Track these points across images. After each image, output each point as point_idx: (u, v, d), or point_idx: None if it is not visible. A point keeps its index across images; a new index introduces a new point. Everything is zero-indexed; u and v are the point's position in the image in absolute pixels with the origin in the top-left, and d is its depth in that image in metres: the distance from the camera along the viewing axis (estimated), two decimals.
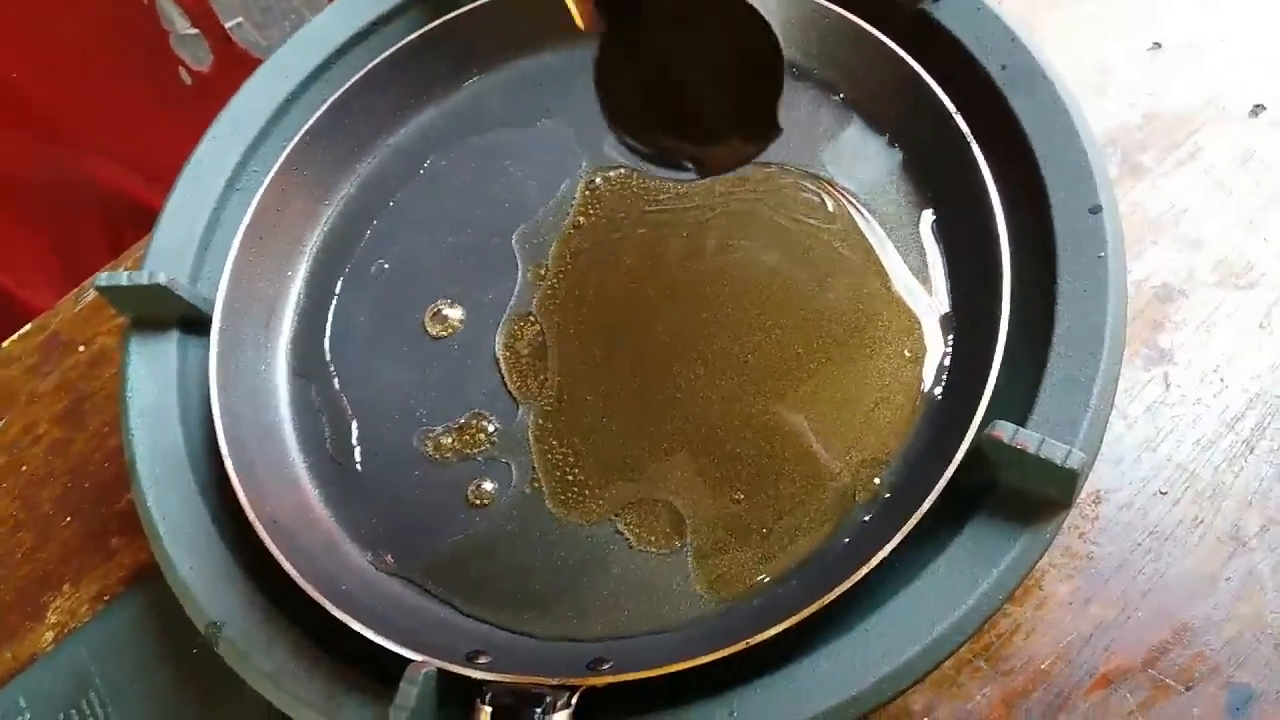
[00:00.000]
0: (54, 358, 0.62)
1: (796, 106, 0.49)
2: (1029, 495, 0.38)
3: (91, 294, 0.64)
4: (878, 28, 0.46)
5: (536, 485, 0.43)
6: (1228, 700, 0.44)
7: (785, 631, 0.37)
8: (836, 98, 0.49)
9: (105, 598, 0.51)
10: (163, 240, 0.49)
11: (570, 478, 0.43)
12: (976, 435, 0.38)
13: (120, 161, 0.94)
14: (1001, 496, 0.38)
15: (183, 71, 1.00)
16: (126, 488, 0.56)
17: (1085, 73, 0.59)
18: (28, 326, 0.64)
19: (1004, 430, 0.37)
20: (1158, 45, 0.59)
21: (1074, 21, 0.61)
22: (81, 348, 0.62)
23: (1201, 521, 0.48)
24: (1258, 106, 0.57)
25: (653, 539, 0.42)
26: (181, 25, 0.97)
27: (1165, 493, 0.49)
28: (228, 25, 0.99)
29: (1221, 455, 0.49)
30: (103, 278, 0.46)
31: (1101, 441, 0.39)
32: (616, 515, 0.42)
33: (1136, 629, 0.47)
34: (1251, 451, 0.49)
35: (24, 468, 0.59)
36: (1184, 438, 0.50)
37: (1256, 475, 0.49)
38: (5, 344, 0.63)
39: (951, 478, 0.37)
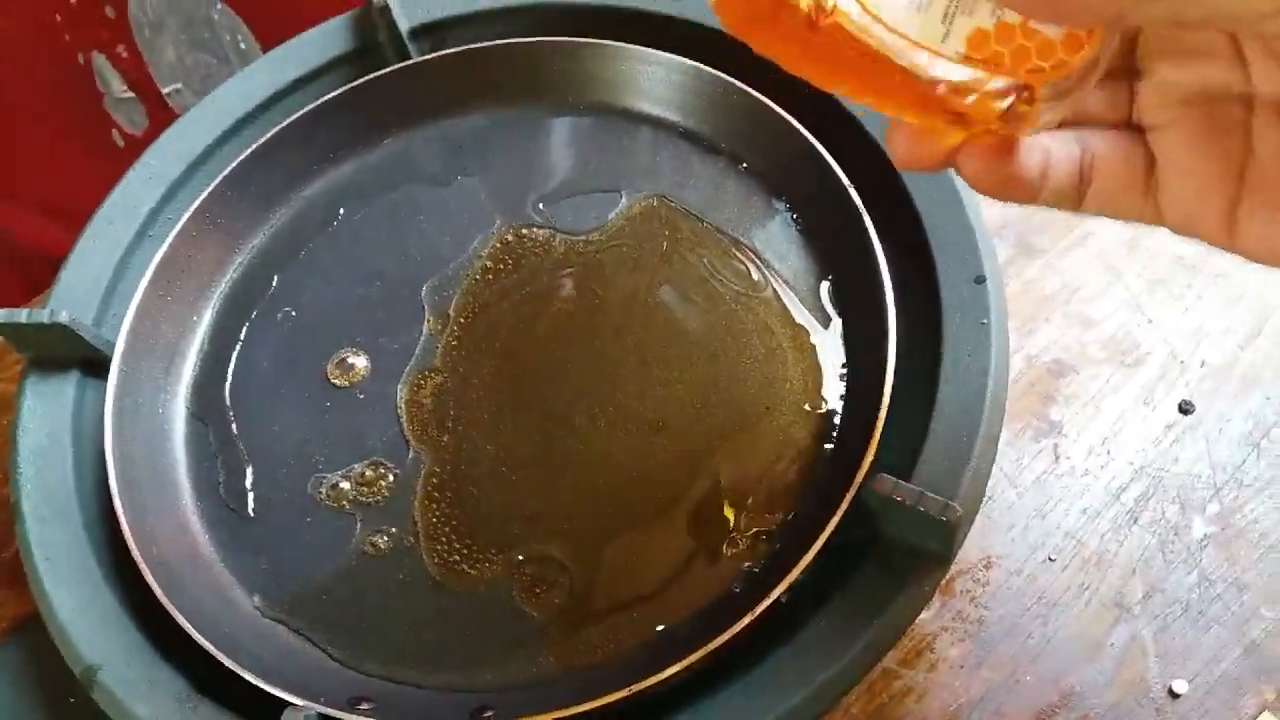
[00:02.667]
0: None
1: (705, 177, 0.51)
2: (911, 549, 0.39)
3: None
4: (782, 104, 0.49)
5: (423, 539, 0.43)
6: None
7: (674, 679, 0.37)
8: (741, 168, 0.51)
9: None
10: (68, 281, 0.48)
11: (456, 534, 0.43)
12: (861, 489, 0.39)
13: (42, 216, 0.94)
14: (886, 550, 0.39)
15: (115, 134, 1.00)
16: (12, 541, 0.55)
17: None
18: None
19: (884, 483, 0.38)
20: None
21: None
22: None
23: (1088, 588, 0.50)
24: None
25: (540, 593, 0.42)
26: (118, 88, 0.98)
27: (1054, 559, 0.51)
28: (165, 91, 0.99)
29: (1107, 524, 0.51)
30: (1, 314, 0.45)
31: (982, 498, 0.41)
32: (505, 571, 0.42)
33: (1025, 693, 0.48)
34: (1135, 521, 0.51)
35: None
36: (1072, 507, 0.52)
37: (1140, 544, 0.50)
38: None
39: (841, 531, 0.38)
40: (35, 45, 0.92)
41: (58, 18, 0.93)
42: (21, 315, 0.45)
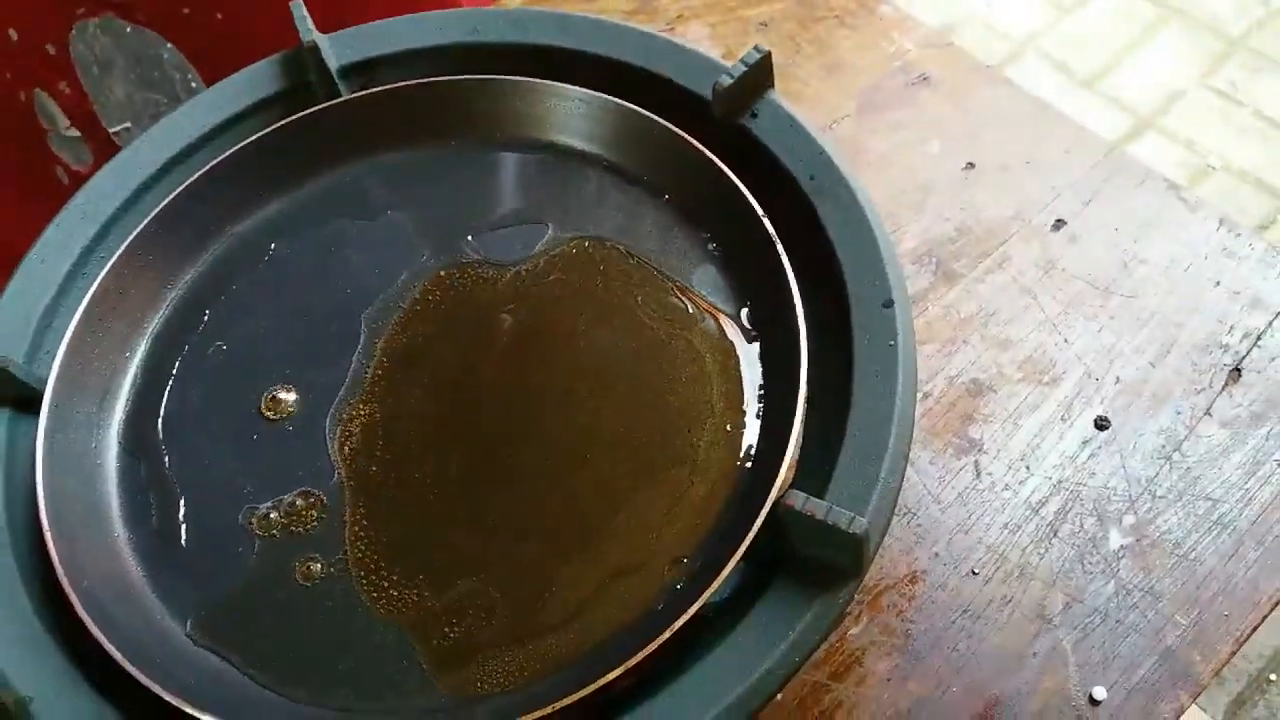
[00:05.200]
0: None
1: (629, 208, 0.52)
2: (824, 563, 0.40)
3: None
4: (699, 138, 0.50)
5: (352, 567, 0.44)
6: None
7: (601, 694, 0.38)
8: (663, 199, 0.52)
9: None
10: (2, 318, 0.49)
11: (385, 562, 0.44)
12: (775, 505, 0.40)
13: None
14: (799, 564, 0.40)
15: (60, 170, 1.00)
16: None
17: (906, 190, 0.64)
18: None
19: (795, 498, 0.39)
20: (971, 166, 0.65)
21: (897, 146, 0.66)
22: None
23: (1010, 600, 0.51)
24: (1059, 221, 0.62)
25: (469, 618, 0.42)
26: (62, 124, 0.98)
27: (977, 573, 0.52)
28: (114, 130, 1.00)
29: (1028, 538, 0.53)
30: None
31: (892, 513, 0.42)
32: (434, 597, 0.43)
33: (951, 704, 0.49)
34: (1055, 535, 0.53)
35: None
36: (993, 522, 0.53)
37: (1060, 556, 0.52)
38: None
39: (760, 548, 0.40)
40: None
41: None
42: None
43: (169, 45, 0.92)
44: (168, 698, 0.38)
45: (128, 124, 1.00)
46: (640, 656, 0.37)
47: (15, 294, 0.50)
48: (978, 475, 0.55)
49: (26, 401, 0.48)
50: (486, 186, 0.54)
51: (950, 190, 0.64)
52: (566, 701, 0.37)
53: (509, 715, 0.37)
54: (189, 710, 0.38)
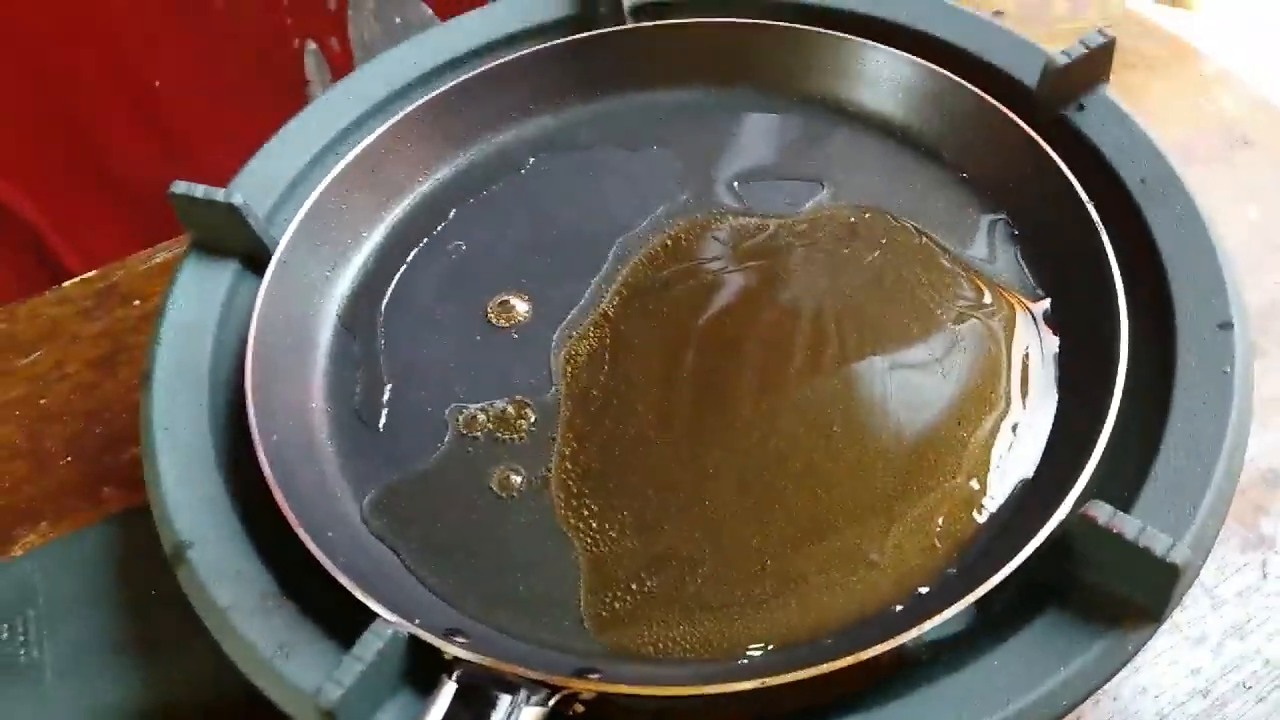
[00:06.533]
0: (107, 306, 0.61)
1: (919, 180, 0.48)
2: (1111, 597, 0.33)
3: (160, 258, 0.63)
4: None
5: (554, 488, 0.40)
6: None
7: (806, 687, 0.32)
8: (960, 176, 0.47)
9: None
10: (251, 170, 0.48)
11: (589, 489, 0.39)
12: (1066, 519, 0.33)
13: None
14: (1084, 596, 0.33)
15: None
16: (136, 442, 0.54)
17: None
18: (92, 273, 0.63)
19: (1100, 511, 0.32)
20: None
21: (1209, 207, 0.59)
22: (136, 302, 0.61)
23: None
24: None
25: (667, 568, 0.37)
26: (321, 81, 1.01)
27: (1250, 687, 0.43)
28: None
29: None
30: (180, 185, 0.44)
31: (1205, 560, 0.34)
32: (635, 536, 0.38)
33: None
34: None
35: (42, 401, 0.57)
36: (1277, 631, 0.45)
37: None
38: (66, 284, 0.62)
39: (1027, 571, 0.33)
40: (256, 20, 0.95)
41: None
42: (198, 190, 0.44)
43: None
44: (338, 574, 0.34)
45: None
46: (883, 648, 0.31)
47: (270, 154, 0.49)
48: (1264, 576, 0.46)
49: (256, 260, 0.46)
50: (763, 136, 0.50)
51: (1267, 261, 0.56)
52: (772, 681, 0.31)
53: (698, 679, 0.32)
54: (352, 587, 0.33)
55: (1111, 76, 0.48)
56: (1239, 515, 0.48)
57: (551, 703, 0.31)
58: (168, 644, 0.41)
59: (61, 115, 0.87)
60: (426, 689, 0.32)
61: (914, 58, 0.48)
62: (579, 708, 0.33)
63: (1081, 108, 0.46)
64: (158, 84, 0.92)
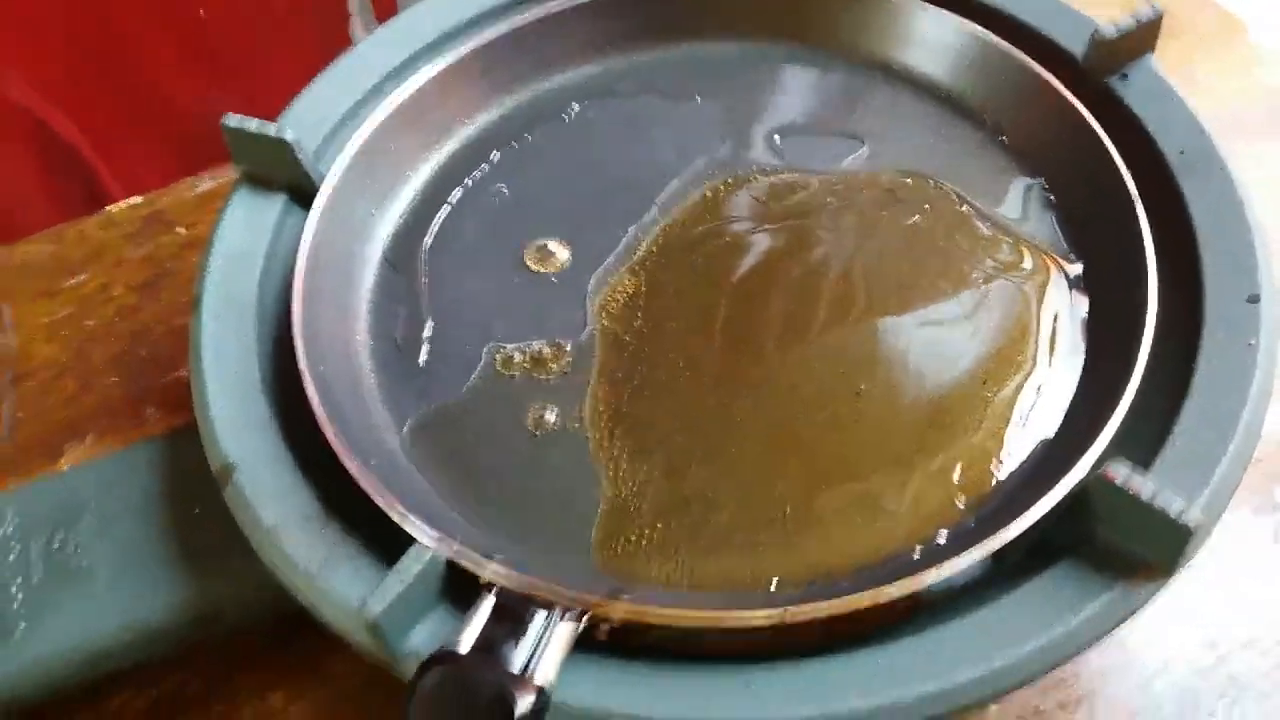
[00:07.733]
0: (152, 232, 0.62)
1: (958, 142, 0.48)
2: (1125, 555, 0.34)
3: (207, 184, 0.64)
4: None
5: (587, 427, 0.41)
6: None
7: (825, 624, 0.33)
8: (1000, 140, 0.48)
9: None
10: (301, 106, 0.48)
11: (621, 430, 0.41)
12: (1085, 477, 0.34)
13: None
14: (1097, 551, 0.34)
15: None
16: (180, 365, 0.55)
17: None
18: (138, 199, 0.64)
19: (1117, 471, 0.33)
20: None
21: (1256, 182, 0.59)
22: (181, 229, 0.62)
23: None
24: None
25: (691, 508, 0.39)
26: (363, 12, 1.01)
27: (1255, 643, 0.45)
28: None
29: None
30: (232, 118, 0.45)
31: (1217, 523, 0.35)
32: (663, 476, 0.39)
33: None
34: None
35: (88, 322, 0.58)
36: None
37: None
38: (113, 208, 0.63)
39: (1044, 525, 0.34)
40: None
41: None
42: (251, 124, 0.45)
43: None
44: (378, 495, 0.35)
45: None
46: (907, 588, 0.32)
47: (319, 90, 0.50)
48: (1275, 540, 0.47)
49: (303, 194, 0.47)
50: (805, 91, 0.50)
51: None
52: (793, 612, 0.32)
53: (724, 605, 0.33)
54: (399, 512, 0.35)
55: (1157, 47, 0.48)
56: (1252, 482, 0.49)
57: (583, 621, 0.33)
58: (212, 558, 0.42)
59: (107, 43, 0.88)
60: (462, 605, 0.34)
61: (964, 20, 0.48)
62: (603, 633, 0.34)
63: (1125, 77, 0.46)
64: (202, 13, 0.93)
